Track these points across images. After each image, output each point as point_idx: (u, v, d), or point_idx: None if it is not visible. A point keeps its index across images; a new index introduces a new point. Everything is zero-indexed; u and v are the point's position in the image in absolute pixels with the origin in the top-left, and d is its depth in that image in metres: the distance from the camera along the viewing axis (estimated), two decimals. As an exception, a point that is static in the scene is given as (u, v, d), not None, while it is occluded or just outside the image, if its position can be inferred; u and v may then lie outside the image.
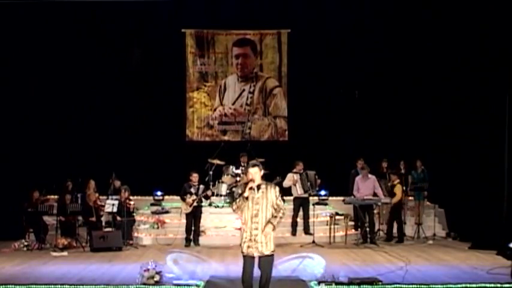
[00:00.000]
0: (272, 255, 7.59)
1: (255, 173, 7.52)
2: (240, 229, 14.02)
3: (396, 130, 16.30)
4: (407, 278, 9.72)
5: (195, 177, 13.88)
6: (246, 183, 7.62)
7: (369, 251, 12.82)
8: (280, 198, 7.61)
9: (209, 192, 14.13)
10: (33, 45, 15.57)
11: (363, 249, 13.10)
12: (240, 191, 7.86)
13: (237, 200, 7.63)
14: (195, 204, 13.65)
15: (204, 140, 17.31)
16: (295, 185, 14.20)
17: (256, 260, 7.57)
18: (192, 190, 13.74)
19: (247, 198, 7.49)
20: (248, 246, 7.48)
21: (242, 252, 7.58)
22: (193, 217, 13.71)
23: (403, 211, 15.16)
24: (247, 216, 7.51)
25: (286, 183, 14.28)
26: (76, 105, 16.30)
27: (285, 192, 14.68)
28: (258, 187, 7.51)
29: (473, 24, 13.99)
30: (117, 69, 16.55)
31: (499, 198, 13.19)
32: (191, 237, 13.66)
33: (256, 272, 7.62)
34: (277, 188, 7.68)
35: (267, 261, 7.54)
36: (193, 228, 13.69)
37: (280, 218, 7.53)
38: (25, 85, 15.45)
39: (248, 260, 7.53)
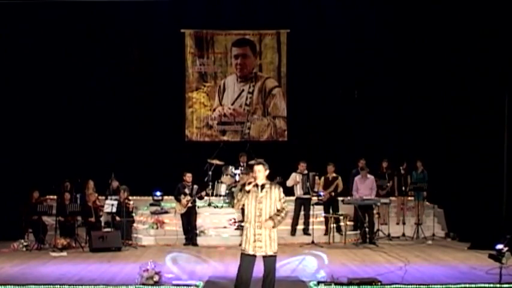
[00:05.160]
0: (275, 255, 7.53)
1: (259, 171, 7.46)
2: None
3: (396, 130, 16.29)
4: (407, 278, 9.70)
5: (188, 177, 13.86)
6: (244, 184, 7.54)
7: (368, 251, 12.81)
8: (284, 200, 7.51)
9: (203, 193, 14.08)
10: (33, 45, 15.54)
11: (362, 249, 13.10)
12: (240, 187, 7.74)
13: (238, 195, 7.55)
14: (189, 204, 13.65)
15: (203, 140, 17.29)
16: (296, 185, 14.22)
17: (257, 260, 7.51)
18: (186, 190, 13.74)
19: (248, 191, 7.42)
20: (252, 246, 7.39)
21: (243, 251, 7.49)
22: (188, 217, 13.72)
23: (402, 211, 15.18)
24: (251, 216, 7.43)
25: (289, 182, 14.31)
26: (75, 105, 16.28)
27: (288, 191, 14.75)
28: (262, 186, 7.44)
29: (473, 24, 13.97)
30: (117, 70, 16.53)
31: (499, 199, 13.18)
32: (190, 236, 13.67)
33: (255, 272, 7.60)
34: (281, 189, 7.59)
35: (271, 261, 7.49)
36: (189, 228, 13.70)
37: (282, 217, 7.44)
38: (24, 85, 15.42)
39: (248, 259, 7.44)
